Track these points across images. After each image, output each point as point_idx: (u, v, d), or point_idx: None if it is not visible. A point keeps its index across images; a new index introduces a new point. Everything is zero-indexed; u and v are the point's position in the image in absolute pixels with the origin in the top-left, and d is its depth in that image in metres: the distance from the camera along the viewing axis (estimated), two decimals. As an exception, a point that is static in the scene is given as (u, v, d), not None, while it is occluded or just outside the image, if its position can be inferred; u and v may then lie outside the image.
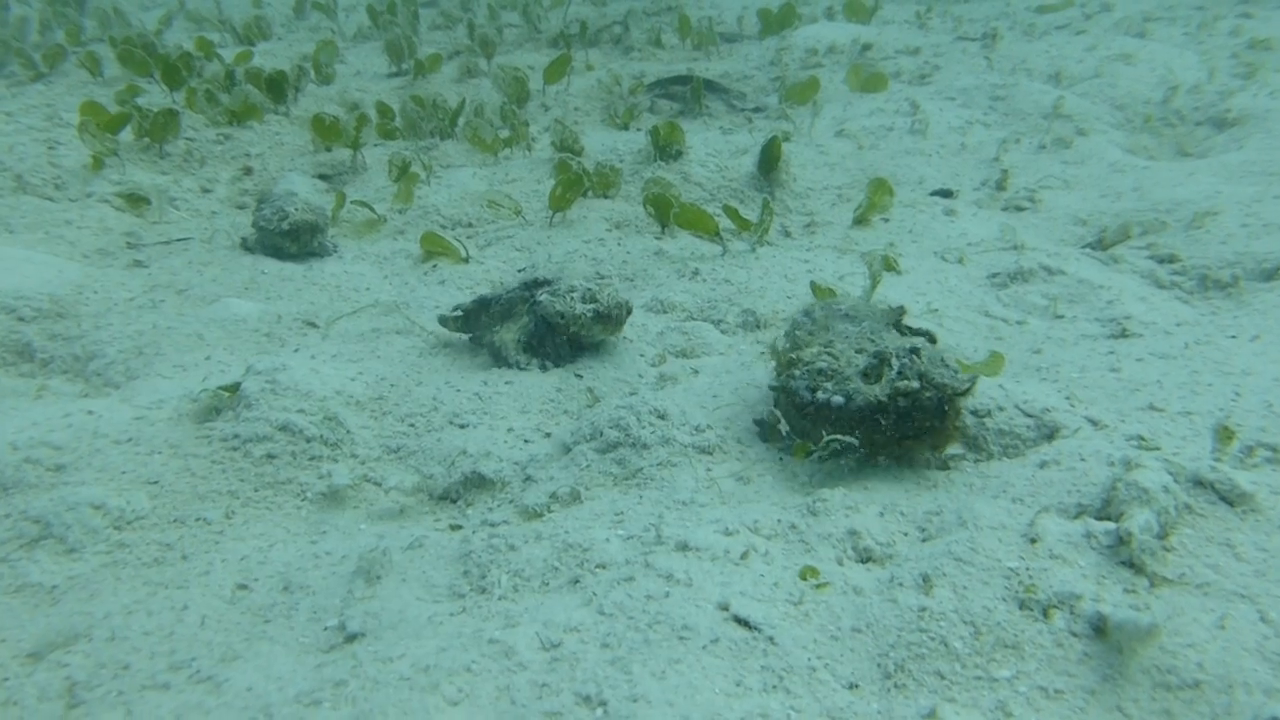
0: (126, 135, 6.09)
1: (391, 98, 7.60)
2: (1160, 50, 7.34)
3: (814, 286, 3.99)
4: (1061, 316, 4.20)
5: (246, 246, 4.95)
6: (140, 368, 3.86)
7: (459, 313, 3.96)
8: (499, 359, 3.71)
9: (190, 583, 2.85)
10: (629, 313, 3.78)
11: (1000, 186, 5.58)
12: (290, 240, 4.81)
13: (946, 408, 2.84)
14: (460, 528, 3.10)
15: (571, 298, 3.67)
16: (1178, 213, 5.03)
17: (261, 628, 2.69)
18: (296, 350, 3.95)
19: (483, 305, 3.91)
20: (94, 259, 4.84)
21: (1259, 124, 6.05)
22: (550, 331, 3.72)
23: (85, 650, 2.59)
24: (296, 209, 4.80)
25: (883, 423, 2.84)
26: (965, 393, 2.86)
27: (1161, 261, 4.59)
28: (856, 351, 3.00)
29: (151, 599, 2.78)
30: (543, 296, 3.70)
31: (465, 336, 4.04)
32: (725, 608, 2.37)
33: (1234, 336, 3.80)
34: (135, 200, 5.45)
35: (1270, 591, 2.24)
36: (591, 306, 3.66)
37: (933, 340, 3.42)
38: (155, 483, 3.18)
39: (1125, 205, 5.23)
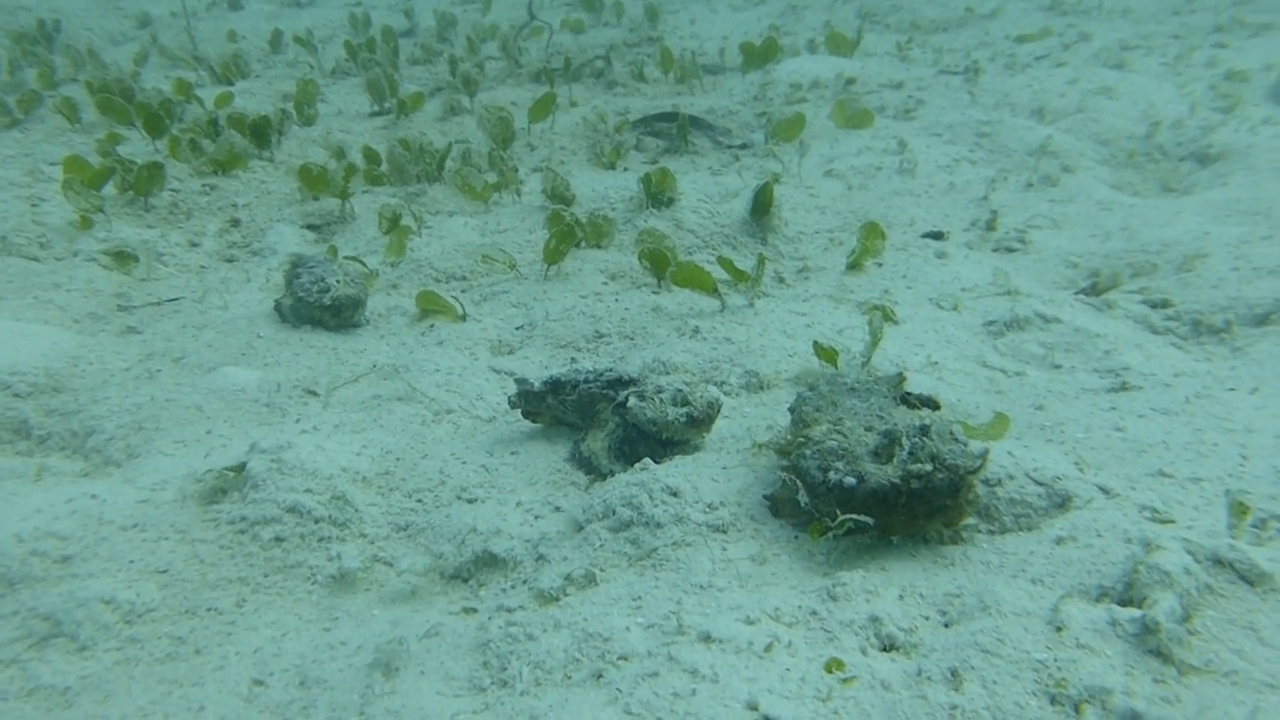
0: (110, 189, 6.04)
1: (375, 138, 7.57)
2: (1140, 83, 7.42)
3: (817, 347, 3.99)
4: (1059, 366, 4.22)
5: (280, 314, 4.79)
6: (140, 444, 3.82)
7: (531, 388, 3.76)
8: (589, 469, 3.58)
9: (205, 679, 2.81)
10: (719, 410, 3.61)
11: (990, 227, 5.61)
12: (331, 315, 4.64)
13: (959, 487, 2.85)
14: (475, 610, 3.08)
15: (661, 400, 3.49)
16: (1167, 254, 5.08)
17: (280, 728, 2.66)
18: (298, 421, 3.92)
19: (554, 388, 3.72)
20: (85, 324, 4.79)
21: (1241, 160, 6.12)
22: (641, 437, 3.55)
23: (102, 758, 2.56)
24: (339, 281, 4.63)
25: (896, 504, 2.84)
26: (976, 471, 2.87)
27: (1155, 306, 4.63)
28: (866, 429, 3.01)
29: (167, 699, 2.74)
30: (631, 401, 3.51)
31: (519, 412, 3.89)
32: (754, 707, 2.36)
33: (1233, 389, 3.83)
34: (123, 258, 5.40)
35: (1298, 682, 2.26)
36: (684, 410, 3.49)
37: (936, 407, 3.44)
38: (164, 571, 3.14)
39: (1114, 246, 5.27)
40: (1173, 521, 2.88)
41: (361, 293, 4.71)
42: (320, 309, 4.62)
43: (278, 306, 4.81)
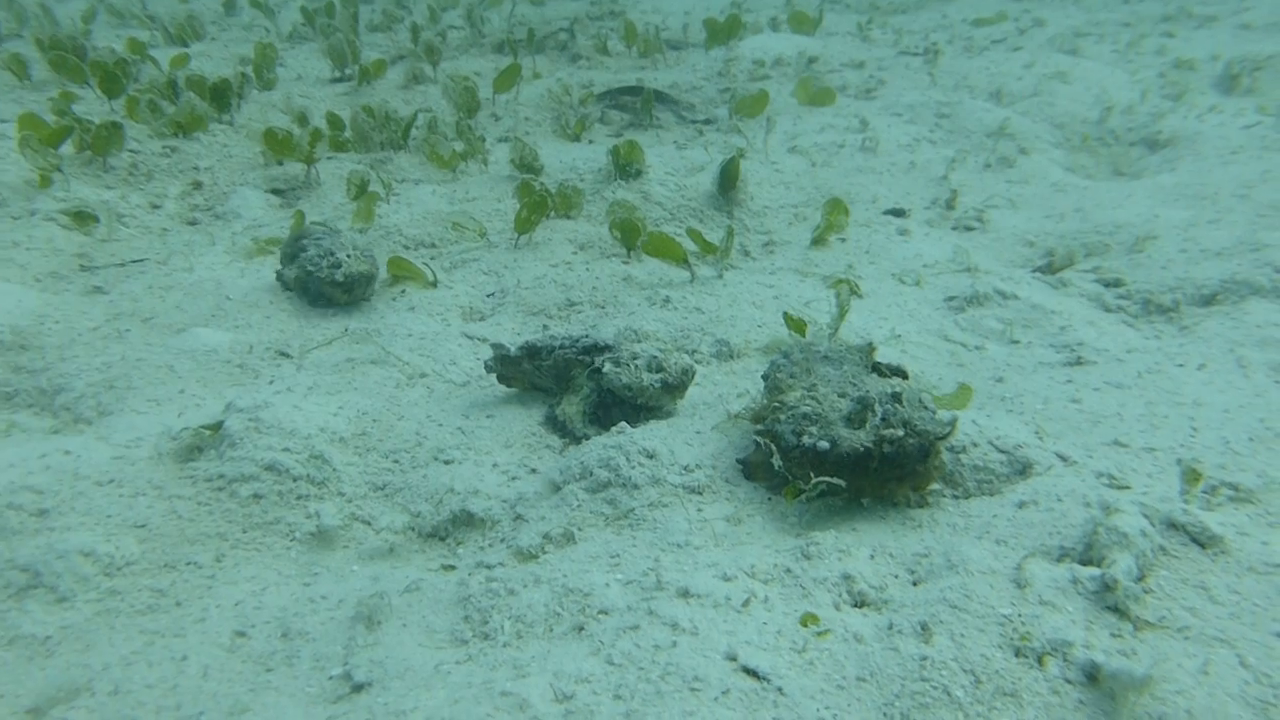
0: (67, 148, 5.95)
1: (338, 105, 7.52)
2: (1093, 69, 7.59)
3: (787, 318, 4.08)
4: (1017, 342, 4.36)
5: (284, 283, 4.65)
6: (112, 402, 3.81)
7: (507, 352, 3.81)
8: (564, 432, 3.65)
9: (187, 630, 2.85)
10: (693, 377, 3.68)
11: (950, 206, 5.74)
12: (343, 292, 4.49)
13: (928, 452, 2.96)
14: (453, 568, 3.14)
15: (636, 366, 3.55)
16: (1119, 235, 5.24)
17: (265, 677, 2.71)
18: (272, 382, 3.94)
19: (530, 353, 3.77)
20: (47, 283, 4.74)
21: (1189, 146, 6.31)
22: (616, 402, 3.61)
23: (89, 705, 2.59)
24: (349, 255, 4.46)
25: (868, 467, 2.94)
26: (946, 437, 2.98)
27: (1107, 285, 4.78)
28: (839, 396, 3.10)
29: (150, 649, 2.77)
30: (606, 367, 3.57)
31: (494, 376, 3.93)
32: (733, 657, 2.45)
33: (1181, 365, 3.99)
34: (82, 218, 5.34)
35: (1246, 635, 2.39)
36: (659, 376, 3.56)
37: (905, 376, 3.54)
38: (143, 526, 3.16)
39: (1069, 226, 5.43)
40: (1128, 487, 3.02)
41: (373, 268, 4.56)
42: (332, 285, 4.45)
43: (280, 277, 4.67)
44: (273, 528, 3.25)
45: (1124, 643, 2.40)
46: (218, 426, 3.47)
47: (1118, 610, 2.47)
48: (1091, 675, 2.28)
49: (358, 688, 2.63)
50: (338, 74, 8.38)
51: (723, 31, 8.66)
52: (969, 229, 5.55)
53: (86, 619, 2.87)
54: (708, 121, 7.22)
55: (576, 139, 6.93)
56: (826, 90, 7.29)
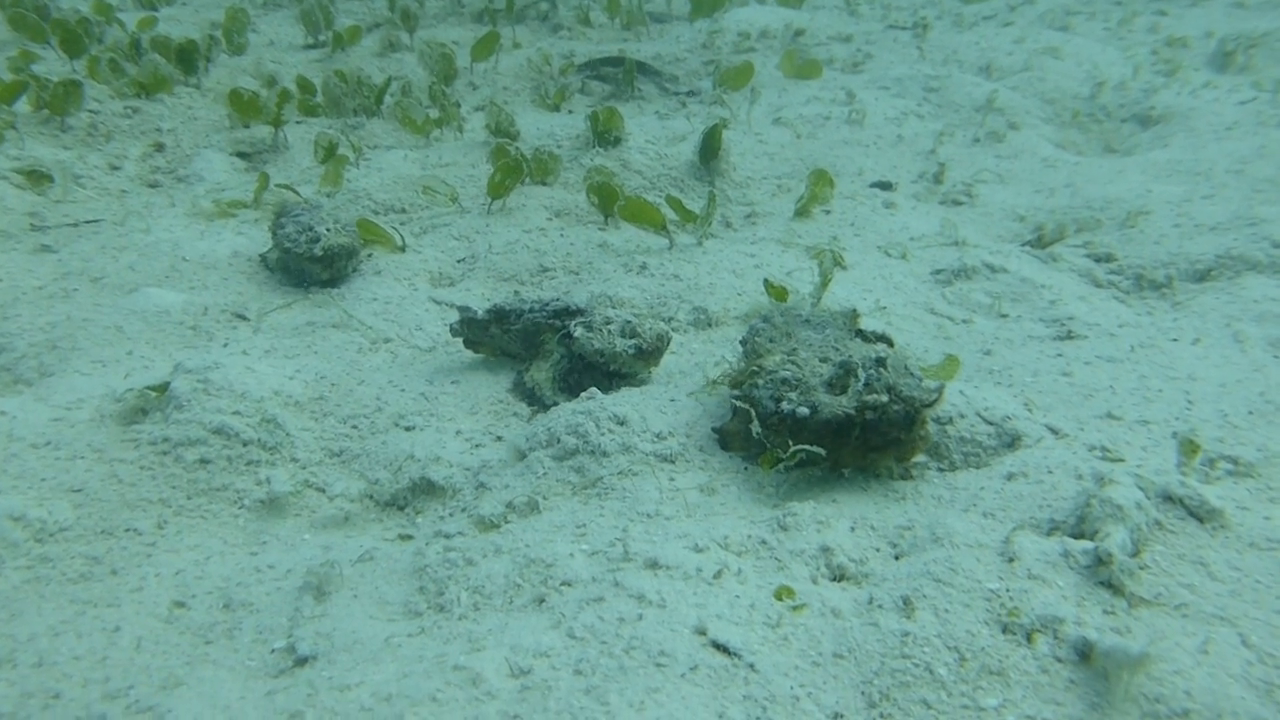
0: (24, 107, 5.73)
1: (311, 71, 7.30)
2: (1085, 45, 7.44)
3: (768, 285, 3.92)
4: (1006, 315, 4.21)
5: (267, 266, 4.40)
6: (55, 363, 3.61)
7: (473, 315, 3.65)
8: (532, 399, 3.47)
9: (122, 600, 2.67)
10: (668, 344, 3.51)
11: (938, 180, 5.58)
12: (323, 266, 4.23)
13: (914, 420, 2.80)
14: (411, 538, 2.97)
15: (609, 331, 3.38)
16: (1111, 210, 5.09)
17: (203, 650, 2.53)
18: (226, 345, 3.75)
19: (498, 317, 3.60)
20: (-3, 241, 4.53)
21: (1182, 123, 6.16)
22: (587, 368, 3.45)
23: (9, 678, 2.41)
24: (328, 229, 4.22)
25: (850, 435, 2.78)
26: (932, 404, 2.82)
27: (1099, 260, 4.63)
28: (821, 360, 2.94)
29: (80, 619, 2.59)
30: (578, 331, 3.39)
31: (460, 341, 3.77)
32: (702, 632, 2.29)
33: (1175, 340, 3.84)
34: (36, 177, 5.12)
35: (1248, 613, 2.25)
36: (632, 342, 3.39)
37: (890, 344, 3.39)
38: (79, 491, 2.98)
39: (1059, 202, 5.28)
40: (1122, 460, 2.87)
41: (355, 241, 4.33)
42: (311, 260, 4.19)
43: (264, 261, 4.42)
44: (220, 494, 3.07)
45: (1118, 620, 2.25)
46: (164, 388, 3.28)
47: (1112, 586, 2.32)
48: (1084, 653, 2.13)
49: (301, 661, 2.47)
50: (311, 41, 8.14)
51: (707, 3, 8.46)
52: (957, 203, 5.39)
53: (14, 587, 2.69)
54: (691, 93, 7.03)
55: (556, 109, 6.73)
56: (813, 63, 7.11)
